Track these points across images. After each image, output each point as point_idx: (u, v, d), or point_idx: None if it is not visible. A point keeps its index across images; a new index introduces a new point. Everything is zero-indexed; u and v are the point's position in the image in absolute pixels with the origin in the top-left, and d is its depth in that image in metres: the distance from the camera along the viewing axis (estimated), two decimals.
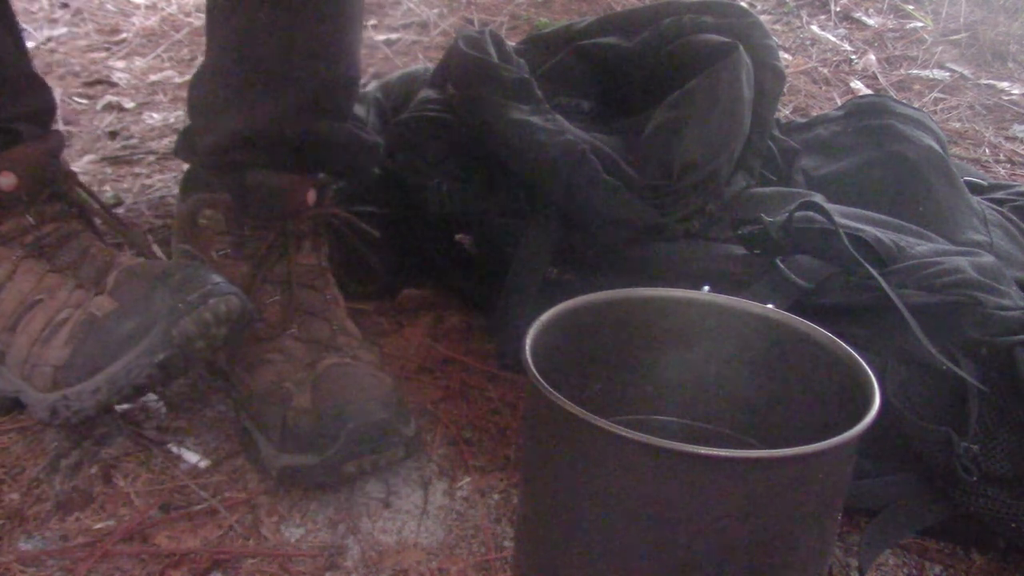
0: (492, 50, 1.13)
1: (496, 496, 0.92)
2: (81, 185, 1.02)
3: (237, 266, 1.01)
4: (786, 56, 2.01)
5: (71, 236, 0.98)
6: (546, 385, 0.61)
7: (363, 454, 0.89)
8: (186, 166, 1.12)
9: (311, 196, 1.03)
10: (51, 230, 0.98)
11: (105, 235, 1.06)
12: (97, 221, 1.03)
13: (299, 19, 1.01)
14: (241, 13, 1.00)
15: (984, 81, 1.98)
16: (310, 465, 0.89)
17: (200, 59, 1.86)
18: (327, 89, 1.04)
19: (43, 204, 0.98)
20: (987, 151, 1.70)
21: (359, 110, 1.33)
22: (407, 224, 1.17)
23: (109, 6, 2.07)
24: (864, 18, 2.24)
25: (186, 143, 1.10)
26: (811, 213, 0.96)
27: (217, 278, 0.92)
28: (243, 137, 1.02)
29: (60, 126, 1.55)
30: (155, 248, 1.23)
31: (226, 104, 1.03)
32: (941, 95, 1.90)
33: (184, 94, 1.72)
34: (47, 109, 1.03)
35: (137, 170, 1.46)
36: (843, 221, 0.96)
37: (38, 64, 1.78)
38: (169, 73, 1.82)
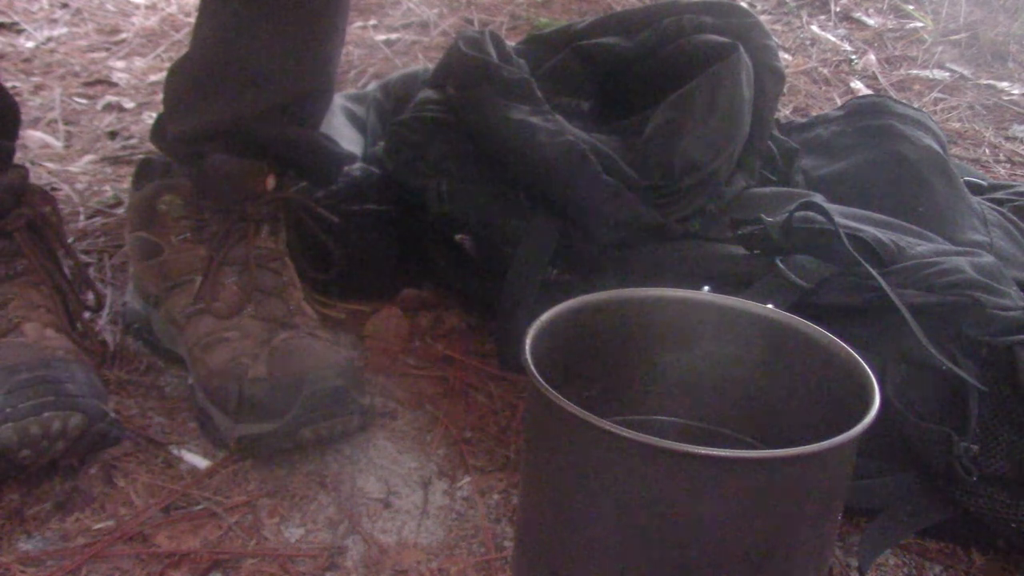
0: (492, 50, 1.13)
1: (496, 496, 0.92)
2: (55, 226, 0.99)
3: (196, 250, 1.02)
4: (786, 56, 2.01)
5: None
6: (546, 385, 0.61)
7: (319, 420, 0.90)
8: None
9: (270, 182, 1.04)
10: None
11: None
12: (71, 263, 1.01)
13: (283, 25, 1.01)
14: (228, 11, 1.01)
15: (984, 81, 1.98)
16: (267, 432, 0.90)
17: None
18: (300, 97, 1.05)
19: None
20: (987, 151, 1.70)
21: (358, 111, 1.33)
22: (407, 224, 1.17)
23: (109, 6, 2.06)
24: (864, 18, 2.24)
25: (159, 129, 1.11)
26: (811, 213, 0.96)
27: (73, 388, 0.86)
28: (211, 131, 1.03)
29: (60, 127, 1.55)
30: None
31: (200, 98, 1.04)
32: (941, 95, 1.90)
33: None
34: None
35: None
36: (843, 221, 0.96)
37: (38, 64, 1.78)
38: None
